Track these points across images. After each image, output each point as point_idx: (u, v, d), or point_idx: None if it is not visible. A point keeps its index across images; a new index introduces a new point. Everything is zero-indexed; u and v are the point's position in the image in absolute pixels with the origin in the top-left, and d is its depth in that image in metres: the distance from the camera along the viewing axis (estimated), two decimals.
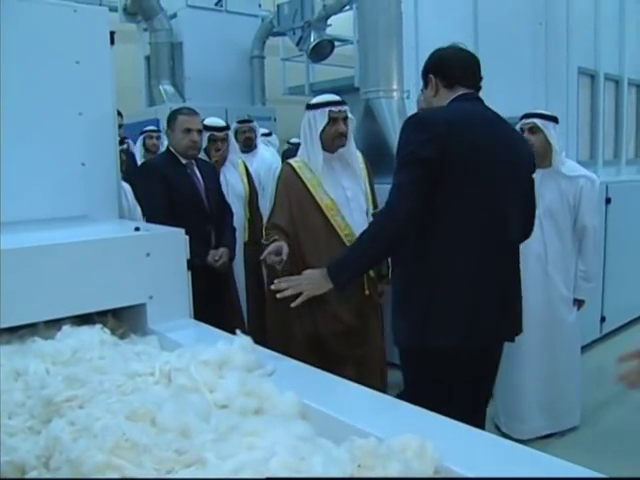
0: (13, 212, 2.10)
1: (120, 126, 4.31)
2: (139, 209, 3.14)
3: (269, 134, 6.41)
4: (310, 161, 2.96)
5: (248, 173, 3.96)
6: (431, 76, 2.07)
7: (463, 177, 1.89)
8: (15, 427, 1.23)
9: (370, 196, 3.12)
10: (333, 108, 2.93)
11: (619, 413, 3.54)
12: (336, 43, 7.57)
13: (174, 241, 1.97)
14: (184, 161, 3.24)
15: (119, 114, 4.00)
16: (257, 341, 1.60)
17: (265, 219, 3.36)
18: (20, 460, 1.11)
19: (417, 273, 1.98)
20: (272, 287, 2.03)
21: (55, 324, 1.70)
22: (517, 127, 3.03)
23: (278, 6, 7.77)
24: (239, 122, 5.09)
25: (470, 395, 2.09)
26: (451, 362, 1.96)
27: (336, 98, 2.99)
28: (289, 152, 5.21)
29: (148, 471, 1.01)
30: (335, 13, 7.26)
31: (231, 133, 4.03)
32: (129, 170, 4.18)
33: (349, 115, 3.00)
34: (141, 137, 5.73)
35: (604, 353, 4.39)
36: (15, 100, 2.18)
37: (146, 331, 1.85)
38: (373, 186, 3.17)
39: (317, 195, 2.93)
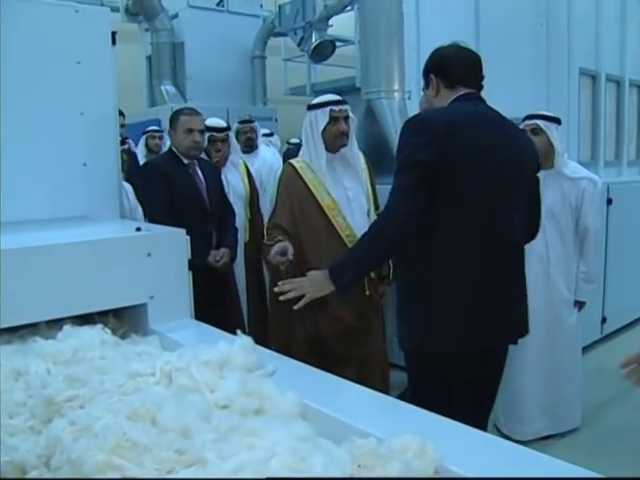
0: (14, 212, 2.11)
1: (122, 126, 4.33)
2: (140, 209, 3.14)
3: (270, 134, 6.41)
4: (312, 161, 2.96)
5: (249, 173, 3.97)
6: (432, 76, 2.05)
7: (463, 178, 1.88)
8: (16, 427, 1.23)
9: (371, 196, 3.11)
10: (334, 107, 2.93)
11: (620, 414, 3.54)
12: (337, 43, 7.58)
13: (175, 241, 1.97)
14: (186, 161, 3.24)
15: (121, 114, 4.01)
16: (258, 341, 1.60)
17: (266, 219, 3.36)
18: (21, 460, 1.11)
19: (417, 274, 1.98)
20: (275, 289, 2.04)
21: (56, 324, 1.70)
22: None
23: (279, 6, 7.78)
24: (240, 122, 5.09)
25: (474, 397, 2.08)
26: (453, 364, 1.95)
27: (337, 97, 2.99)
28: (290, 152, 5.22)
29: (149, 471, 1.01)
30: (336, 13, 7.27)
31: (232, 134, 4.03)
32: (130, 170, 4.19)
33: (350, 114, 3.00)
34: (143, 137, 5.73)
35: (605, 354, 4.39)
36: (17, 100, 2.18)
37: (147, 331, 1.85)
38: (375, 186, 3.17)
39: (318, 195, 2.93)
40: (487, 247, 1.94)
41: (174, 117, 3.26)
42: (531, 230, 2.20)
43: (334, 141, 2.95)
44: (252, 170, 4.12)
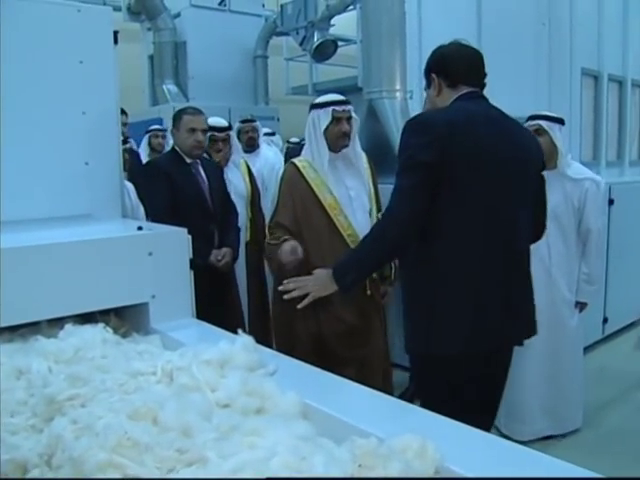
0: (16, 211, 2.11)
1: (125, 125, 4.33)
2: (142, 208, 3.15)
3: (272, 134, 6.42)
4: (315, 160, 2.96)
5: (250, 173, 3.97)
6: (433, 76, 2.03)
7: (466, 178, 1.87)
8: (17, 425, 1.23)
9: (374, 196, 3.11)
10: (337, 107, 2.93)
11: (621, 414, 3.54)
12: (339, 43, 7.58)
13: (177, 240, 1.97)
14: (189, 160, 3.25)
15: (124, 113, 4.02)
16: (259, 341, 1.60)
17: (267, 219, 3.36)
18: (22, 458, 1.12)
19: (420, 275, 1.97)
20: (280, 288, 2.04)
21: (58, 323, 1.71)
22: None
23: (281, 6, 7.79)
24: (241, 122, 5.10)
25: (479, 400, 2.05)
26: (457, 366, 1.94)
27: (340, 98, 2.98)
28: (293, 151, 5.22)
29: (150, 470, 1.01)
30: (338, 13, 7.26)
31: (233, 133, 4.04)
32: (133, 169, 4.19)
33: (353, 115, 3.00)
34: (147, 136, 5.74)
35: (606, 354, 4.39)
36: (19, 99, 2.18)
37: (148, 330, 1.85)
38: (377, 186, 3.16)
39: (320, 194, 2.93)
40: (491, 247, 1.92)
41: (177, 116, 3.27)
42: (537, 229, 2.18)
43: (336, 141, 2.95)
44: (254, 170, 4.12)
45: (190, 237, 1.98)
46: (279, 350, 1.79)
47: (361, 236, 2.66)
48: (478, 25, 4.82)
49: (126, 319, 1.91)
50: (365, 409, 1.36)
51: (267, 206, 3.78)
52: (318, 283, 1.99)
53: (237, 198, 3.68)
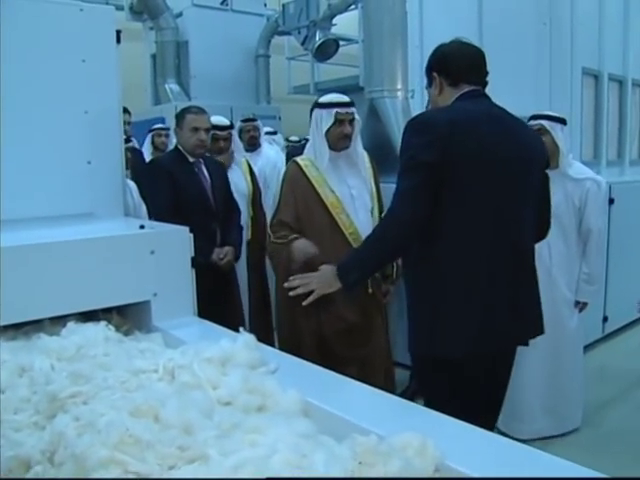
0: (19, 210, 2.12)
1: (128, 123, 4.33)
2: (144, 207, 3.15)
3: (274, 133, 6.42)
4: (316, 159, 2.97)
5: (252, 171, 3.98)
6: (435, 74, 2.02)
7: (468, 177, 1.86)
8: (20, 422, 1.24)
9: (375, 195, 3.12)
10: (340, 110, 2.93)
11: (621, 413, 3.54)
12: (341, 42, 7.58)
13: (179, 239, 1.98)
14: (192, 159, 3.25)
15: (127, 112, 4.02)
16: (260, 339, 1.61)
17: (269, 218, 3.37)
18: (25, 455, 1.12)
19: (423, 275, 1.97)
20: (285, 285, 2.04)
21: (60, 321, 1.71)
22: None
23: (283, 5, 7.79)
24: (243, 121, 5.11)
25: (482, 399, 2.05)
26: (461, 367, 1.94)
27: (344, 99, 2.98)
28: (295, 150, 5.23)
29: (151, 467, 1.01)
30: (340, 12, 7.26)
31: (235, 132, 4.04)
32: (136, 168, 4.19)
33: (356, 117, 3.00)
34: (150, 135, 5.74)
35: (606, 353, 4.39)
36: (21, 98, 2.19)
37: (150, 328, 1.86)
38: (379, 185, 3.17)
39: (322, 193, 2.93)
40: (498, 247, 1.91)
41: (180, 115, 3.27)
42: (541, 228, 2.16)
43: (337, 143, 2.95)
44: (255, 168, 4.13)
45: (192, 235, 1.99)
46: (282, 349, 1.79)
47: (363, 235, 2.68)
48: (479, 25, 4.82)
49: (128, 317, 1.91)
50: (366, 407, 1.36)
51: (269, 205, 3.78)
52: (322, 280, 1.99)
53: (238, 197, 3.68)
